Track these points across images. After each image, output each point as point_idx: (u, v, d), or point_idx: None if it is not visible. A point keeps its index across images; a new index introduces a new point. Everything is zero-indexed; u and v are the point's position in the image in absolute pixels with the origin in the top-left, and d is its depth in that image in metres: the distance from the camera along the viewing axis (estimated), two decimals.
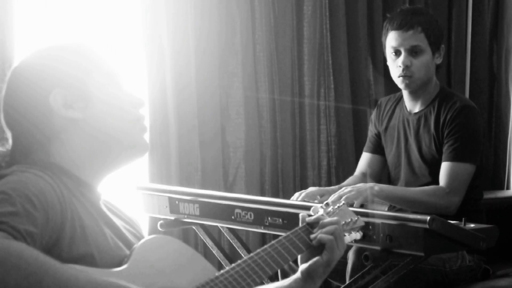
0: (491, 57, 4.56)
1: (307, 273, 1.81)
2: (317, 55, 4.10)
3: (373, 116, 3.47)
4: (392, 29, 3.21)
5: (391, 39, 3.20)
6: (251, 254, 1.70)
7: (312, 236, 1.82)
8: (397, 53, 3.20)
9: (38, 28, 3.44)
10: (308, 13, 4.08)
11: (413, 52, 3.17)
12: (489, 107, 4.56)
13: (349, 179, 3.37)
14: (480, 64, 4.51)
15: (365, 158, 3.45)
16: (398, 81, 3.23)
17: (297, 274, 1.83)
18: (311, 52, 4.08)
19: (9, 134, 1.69)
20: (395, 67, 3.21)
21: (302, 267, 1.83)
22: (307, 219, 1.85)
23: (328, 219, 1.84)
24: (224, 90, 3.90)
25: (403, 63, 3.16)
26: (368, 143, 3.47)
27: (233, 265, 1.66)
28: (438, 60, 3.24)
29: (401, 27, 3.18)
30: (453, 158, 3.12)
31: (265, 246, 1.73)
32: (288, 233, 1.81)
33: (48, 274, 1.37)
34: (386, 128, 3.38)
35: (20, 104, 1.66)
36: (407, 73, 3.17)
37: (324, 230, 1.82)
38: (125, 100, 1.69)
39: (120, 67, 1.73)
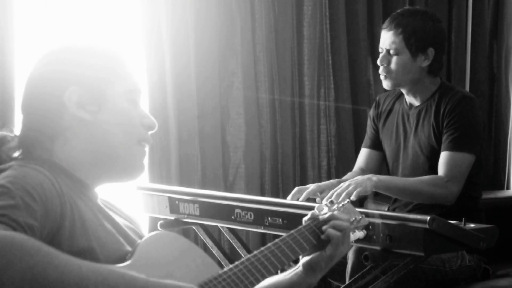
0: (491, 57, 4.56)
1: (309, 265, 1.84)
2: (317, 55, 4.10)
3: (371, 112, 3.48)
4: (382, 29, 3.30)
5: (380, 39, 3.29)
6: (255, 252, 1.72)
7: (324, 228, 1.86)
8: (381, 52, 3.27)
9: (38, 27, 3.44)
10: (308, 13, 4.08)
11: (390, 52, 3.23)
12: (489, 107, 4.56)
13: (348, 175, 3.37)
14: (480, 64, 4.51)
15: (363, 153, 3.46)
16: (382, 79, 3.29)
17: (299, 267, 1.86)
18: (311, 52, 4.08)
19: (21, 121, 1.70)
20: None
21: (304, 260, 1.85)
22: (319, 216, 1.90)
23: (341, 216, 1.89)
24: (224, 90, 3.89)
25: (379, 61, 3.27)
26: (366, 139, 3.48)
27: (236, 263, 1.66)
28: (425, 63, 3.23)
29: (385, 27, 3.28)
30: (452, 148, 3.12)
31: (269, 244, 1.75)
32: (292, 231, 1.82)
33: (51, 264, 1.37)
34: (384, 123, 3.39)
35: (37, 90, 1.68)
36: (383, 72, 3.25)
37: (335, 223, 1.86)
38: (137, 118, 1.71)
39: (142, 86, 1.75)
